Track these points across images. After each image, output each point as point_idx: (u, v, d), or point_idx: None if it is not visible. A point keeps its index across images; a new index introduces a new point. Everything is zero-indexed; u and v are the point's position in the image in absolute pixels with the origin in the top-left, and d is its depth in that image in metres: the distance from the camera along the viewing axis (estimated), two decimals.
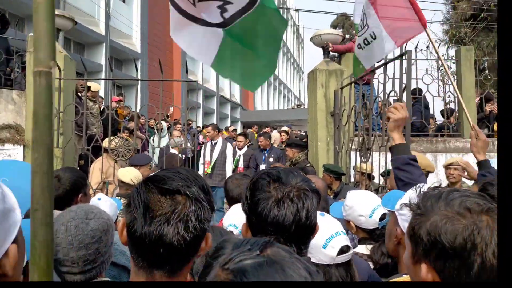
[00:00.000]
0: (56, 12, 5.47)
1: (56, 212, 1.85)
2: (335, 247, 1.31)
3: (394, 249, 1.36)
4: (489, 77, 6.16)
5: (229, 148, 6.61)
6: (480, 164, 2.16)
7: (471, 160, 5.33)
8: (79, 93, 5.82)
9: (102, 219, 1.40)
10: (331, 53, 5.86)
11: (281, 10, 36.02)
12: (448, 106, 6.08)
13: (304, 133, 10.01)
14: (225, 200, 6.11)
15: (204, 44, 2.57)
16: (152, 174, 0.91)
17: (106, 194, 4.65)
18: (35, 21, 0.66)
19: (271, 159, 6.28)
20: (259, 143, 6.54)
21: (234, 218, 1.91)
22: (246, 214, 1.07)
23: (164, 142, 6.97)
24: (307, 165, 4.82)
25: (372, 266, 1.73)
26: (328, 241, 1.32)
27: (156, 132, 7.34)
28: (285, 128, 13.50)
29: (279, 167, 1.13)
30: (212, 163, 6.47)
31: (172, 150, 6.37)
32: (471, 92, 5.62)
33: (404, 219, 1.27)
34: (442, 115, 6.38)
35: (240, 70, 2.59)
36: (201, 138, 11.14)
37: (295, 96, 47.15)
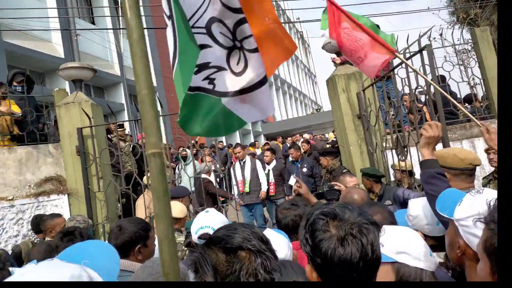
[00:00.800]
0: (76, 64, 5.74)
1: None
2: (435, 256, 1.35)
3: (458, 259, 1.31)
4: None
5: (259, 164, 6.69)
6: None
7: None
8: (109, 136, 6.04)
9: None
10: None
11: (281, 18, 36.25)
12: (474, 91, 5.96)
13: (327, 137, 10.00)
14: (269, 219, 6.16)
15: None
16: (210, 235, 0.94)
17: (153, 228, 4.77)
18: (142, 110, 0.78)
19: (304, 169, 6.28)
20: (290, 156, 6.57)
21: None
22: (309, 256, 1.02)
23: (189, 169, 7.11)
24: (343, 171, 4.81)
25: (449, 274, 1.71)
26: (430, 250, 1.35)
27: (182, 160, 7.51)
28: (306, 136, 13.49)
29: (332, 203, 1.10)
30: (246, 182, 6.54)
31: (204, 175, 6.48)
32: (495, 71, 5.51)
33: (467, 231, 1.23)
34: (465, 101, 6.27)
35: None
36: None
37: (312, 100, 47.03)
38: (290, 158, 6.77)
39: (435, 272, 1.37)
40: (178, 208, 3.61)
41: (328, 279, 0.98)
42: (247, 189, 6.44)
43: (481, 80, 5.76)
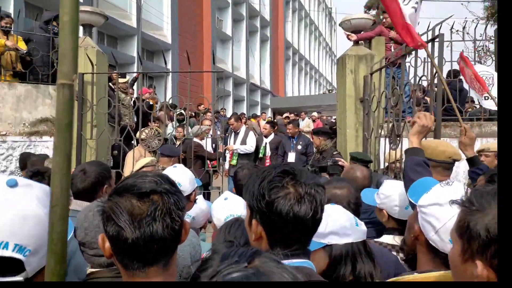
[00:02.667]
0: (88, 8, 5.64)
1: (85, 203, 1.95)
2: (362, 224, 1.40)
3: (411, 243, 1.34)
4: None
5: (251, 136, 6.56)
6: (471, 160, 2.18)
7: None
8: (110, 84, 6.01)
9: None
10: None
11: None
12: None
13: (334, 120, 9.87)
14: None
15: None
16: (120, 184, 0.97)
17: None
18: (61, 37, 0.74)
19: (299, 147, 6.24)
20: (288, 131, 6.51)
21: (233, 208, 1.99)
22: (259, 211, 1.05)
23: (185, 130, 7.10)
24: (334, 152, 4.76)
25: (403, 256, 1.72)
26: (355, 220, 1.40)
27: (177, 122, 7.48)
28: (315, 115, 13.37)
29: (288, 163, 1.14)
30: (235, 155, 6.49)
31: (195, 139, 6.42)
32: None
33: (424, 218, 1.25)
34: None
35: None
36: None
37: (327, 81, 46.40)
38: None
39: (371, 245, 1.42)
40: (146, 160, 3.62)
41: (274, 233, 1.04)
42: (233, 162, 6.41)
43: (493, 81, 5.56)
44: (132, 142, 5.78)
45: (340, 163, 3.28)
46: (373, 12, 30.87)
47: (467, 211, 0.89)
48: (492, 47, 6.22)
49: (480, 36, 5.63)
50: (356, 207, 1.82)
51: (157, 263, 0.93)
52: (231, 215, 1.97)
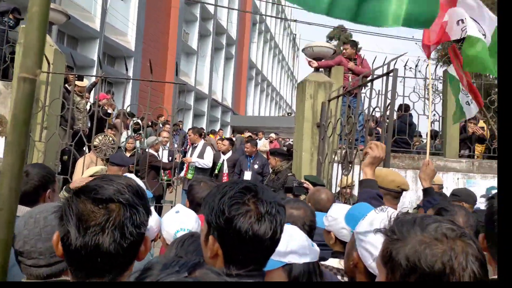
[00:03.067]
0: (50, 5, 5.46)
1: (26, 209, 1.84)
2: (315, 244, 1.40)
3: (350, 270, 1.35)
4: None
5: (208, 151, 6.52)
6: (426, 191, 2.32)
7: (449, 178, 5.40)
8: (66, 85, 5.79)
9: None
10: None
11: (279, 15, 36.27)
12: (432, 127, 6.18)
13: (292, 143, 10.12)
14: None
15: None
16: (83, 185, 0.91)
17: None
18: (27, 29, 0.70)
19: (256, 166, 6.28)
20: (245, 150, 6.54)
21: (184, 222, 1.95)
22: (218, 228, 1.02)
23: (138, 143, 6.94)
24: (288, 174, 4.84)
25: (345, 280, 1.75)
26: (310, 241, 1.40)
27: (134, 132, 7.30)
28: (273, 136, 13.58)
29: (251, 181, 1.12)
30: (190, 169, 6.42)
31: (150, 151, 6.27)
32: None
33: (362, 245, 1.26)
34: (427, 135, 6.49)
35: None
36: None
37: (287, 103, 47.35)
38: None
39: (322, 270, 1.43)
40: (96, 168, 3.50)
41: (231, 251, 1.01)
42: (189, 176, 6.33)
43: (441, 118, 5.96)
44: (84, 148, 5.56)
45: (305, 185, 3.36)
46: (335, 42, 32.08)
47: (389, 240, 0.90)
48: (440, 86, 6.66)
49: (431, 74, 6.03)
50: (310, 229, 1.83)
51: (101, 277, 0.86)
52: (182, 229, 1.92)
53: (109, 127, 5.88)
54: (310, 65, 5.60)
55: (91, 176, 3.49)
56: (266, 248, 1.02)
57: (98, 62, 12.98)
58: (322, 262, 1.95)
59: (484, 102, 6.35)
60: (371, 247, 1.21)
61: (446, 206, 1.73)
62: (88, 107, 6.19)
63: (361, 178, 2.08)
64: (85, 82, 6.55)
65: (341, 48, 7.02)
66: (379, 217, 1.27)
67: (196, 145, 6.58)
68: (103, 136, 4.92)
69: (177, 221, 1.99)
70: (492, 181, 5.48)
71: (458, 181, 5.42)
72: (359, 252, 1.27)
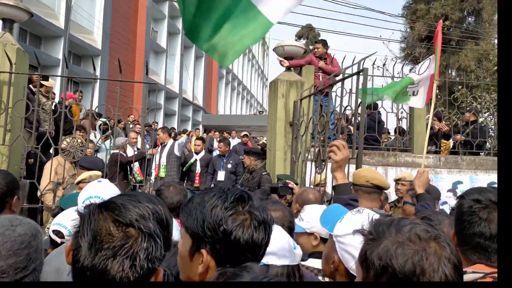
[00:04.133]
0: (11, 2, 5.22)
1: None
2: (298, 247, 1.40)
3: (330, 273, 1.34)
4: (439, 96, 6.51)
5: (176, 148, 6.43)
6: (419, 196, 2.46)
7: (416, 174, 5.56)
8: (31, 86, 5.57)
9: (28, 224, 1.32)
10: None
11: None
12: (400, 124, 6.36)
13: (265, 141, 10.17)
14: None
15: None
16: (108, 199, 0.86)
17: (54, 196, 4.46)
18: None
19: (229, 165, 6.27)
20: (218, 149, 6.51)
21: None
22: (212, 241, 0.98)
23: (108, 142, 6.77)
24: (263, 173, 4.86)
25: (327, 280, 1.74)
26: (293, 243, 1.39)
27: (101, 132, 7.11)
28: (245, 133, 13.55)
29: (242, 189, 1.11)
30: (161, 167, 6.33)
31: (117, 151, 6.12)
32: (423, 109, 5.91)
33: (342, 247, 1.26)
34: (395, 132, 6.68)
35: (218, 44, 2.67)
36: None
37: (258, 102, 47.47)
38: (217, 152, 6.71)
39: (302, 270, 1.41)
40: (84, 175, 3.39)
41: (225, 262, 0.96)
42: (162, 174, 6.25)
43: (408, 115, 6.15)
44: (50, 151, 5.36)
45: (290, 185, 3.38)
46: (303, 41, 32.44)
47: (366, 240, 0.92)
48: None
49: (398, 73, 6.21)
50: (289, 231, 1.81)
51: None
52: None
53: (77, 129, 5.70)
54: (281, 64, 5.63)
55: (78, 183, 3.35)
56: (260, 254, 1.03)
57: (64, 61, 12.55)
58: (302, 263, 1.96)
59: (448, 100, 6.62)
60: (353, 249, 1.20)
61: (430, 215, 1.76)
62: (53, 108, 5.97)
63: (333, 184, 2.08)
64: (51, 82, 6.32)
65: (313, 47, 7.10)
66: (356, 219, 1.27)
67: (165, 144, 6.49)
68: (71, 138, 4.77)
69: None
70: (457, 176, 5.71)
71: None
72: (340, 255, 1.26)
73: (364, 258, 0.89)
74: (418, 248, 0.84)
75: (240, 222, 0.98)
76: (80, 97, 7.81)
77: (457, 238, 1.21)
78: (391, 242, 0.86)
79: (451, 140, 6.89)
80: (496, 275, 1.00)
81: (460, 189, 5.60)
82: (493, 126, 7.91)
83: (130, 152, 6.13)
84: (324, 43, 6.52)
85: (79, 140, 4.78)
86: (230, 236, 0.96)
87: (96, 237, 0.79)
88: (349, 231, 1.22)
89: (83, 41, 15.34)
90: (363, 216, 1.27)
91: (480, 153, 6.67)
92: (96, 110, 6.99)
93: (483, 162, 6.09)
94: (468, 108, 8.17)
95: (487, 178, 5.82)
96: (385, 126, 6.65)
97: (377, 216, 1.20)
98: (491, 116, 7.69)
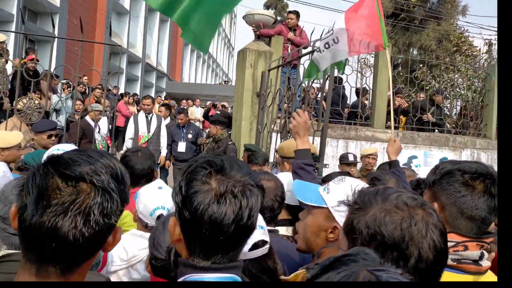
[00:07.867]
0: None
1: None
2: (248, 243, 1.18)
3: (319, 244, 1.30)
4: (401, 73, 6.72)
5: (163, 123, 6.26)
6: (392, 163, 2.58)
7: (377, 147, 5.82)
8: None
9: None
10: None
11: None
12: (362, 89, 6.49)
13: (229, 110, 10.12)
14: None
15: None
16: (57, 155, 0.79)
17: None
18: None
19: (189, 136, 6.17)
20: (178, 121, 6.32)
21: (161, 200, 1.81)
22: (177, 207, 0.91)
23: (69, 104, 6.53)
24: (229, 142, 4.88)
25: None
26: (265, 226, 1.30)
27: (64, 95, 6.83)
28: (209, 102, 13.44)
29: (222, 156, 0.98)
30: (145, 137, 6.13)
31: (87, 118, 5.95)
32: (385, 86, 6.09)
33: (343, 215, 1.22)
34: (357, 94, 6.82)
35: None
36: (131, 108, 10.49)
37: (223, 72, 46.81)
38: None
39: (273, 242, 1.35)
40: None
41: (191, 237, 0.89)
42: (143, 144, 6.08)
43: (371, 91, 6.32)
44: (4, 110, 5.08)
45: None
46: (271, 11, 31.96)
47: (352, 210, 0.93)
48: (372, 60, 7.02)
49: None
50: (282, 200, 1.82)
51: (55, 264, 0.75)
52: (162, 207, 1.76)
53: (33, 90, 5.42)
54: (254, 32, 5.58)
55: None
56: (231, 235, 0.87)
57: (20, 16, 11.70)
58: (268, 228, 2.00)
59: (410, 77, 6.84)
60: None
61: (378, 175, 1.85)
62: (10, 69, 5.62)
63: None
64: (3, 37, 5.91)
65: (283, 18, 7.05)
66: (343, 186, 1.29)
67: (151, 115, 6.21)
68: (27, 99, 4.54)
69: (158, 197, 1.82)
70: (413, 151, 6.02)
71: (384, 150, 5.86)
72: (340, 222, 1.22)
73: (351, 228, 0.90)
74: (406, 215, 0.86)
75: (200, 190, 0.90)
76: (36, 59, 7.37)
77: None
78: (378, 210, 0.87)
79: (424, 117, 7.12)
80: (468, 244, 1.04)
81: (415, 164, 5.91)
82: (448, 105, 8.30)
83: (103, 121, 5.95)
84: (298, 14, 6.48)
85: (36, 101, 4.56)
86: (187, 204, 0.90)
87: (43, 193, 0.73)
88: (344, 198, 1.21)
89: None
90: (347, 183, 1.31)
91: (435, 130, 7.02)
92: (54, 72, 6.66)
93: (437, 138, 6.44)
94: (431, 89, 8.43)
95: (440, 153, 6.18)
96: (348, 101, 6.81)
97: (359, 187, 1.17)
98: (448, 95, 8.06)
